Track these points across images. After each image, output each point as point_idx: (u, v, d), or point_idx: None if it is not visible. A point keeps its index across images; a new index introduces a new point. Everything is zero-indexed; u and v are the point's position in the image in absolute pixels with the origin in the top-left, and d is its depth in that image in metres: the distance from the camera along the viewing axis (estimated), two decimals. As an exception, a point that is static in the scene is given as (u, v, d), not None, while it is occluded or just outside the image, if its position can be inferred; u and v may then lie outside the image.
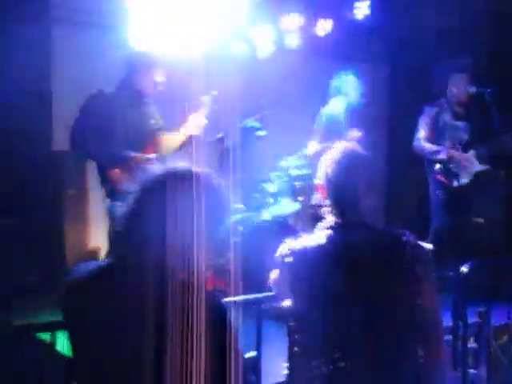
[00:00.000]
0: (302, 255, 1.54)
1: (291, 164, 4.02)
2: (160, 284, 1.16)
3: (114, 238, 1.35)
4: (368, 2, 4.28)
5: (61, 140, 3.98)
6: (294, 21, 4.33)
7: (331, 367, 1.42)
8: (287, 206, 3.93)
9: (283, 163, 4.05)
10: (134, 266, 1.20)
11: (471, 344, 2.56)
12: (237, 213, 4.02)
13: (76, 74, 4.00)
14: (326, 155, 1.68)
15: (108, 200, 2.94)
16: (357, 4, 4.27)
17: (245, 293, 1.83)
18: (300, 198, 3.98)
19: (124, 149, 2.90)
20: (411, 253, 1.50)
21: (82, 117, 2.91)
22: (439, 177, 4.02)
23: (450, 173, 3.99)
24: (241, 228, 3.85)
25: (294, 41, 4.48)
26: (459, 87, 3.97)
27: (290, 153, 4.09)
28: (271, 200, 3.94)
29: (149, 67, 2.99)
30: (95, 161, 3.01)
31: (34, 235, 3.72)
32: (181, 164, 1.29)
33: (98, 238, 3.78)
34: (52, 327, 1.83)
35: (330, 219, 1.61)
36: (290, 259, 1.55)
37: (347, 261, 1.50)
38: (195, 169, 1.27)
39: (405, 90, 5.22)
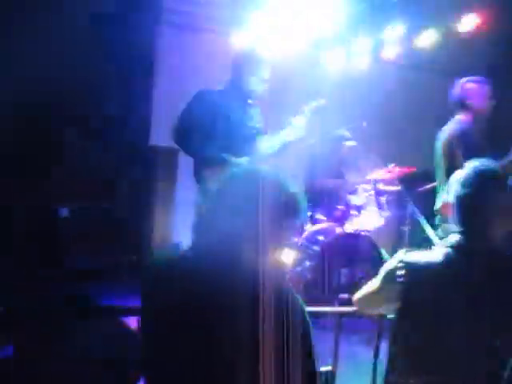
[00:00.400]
0: (415, 270, 1.50)
1: (379, 177, 3.92)
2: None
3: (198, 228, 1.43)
4: (474, 15, 4.03)
5: (158, 135, 4.20)
6: (395, 32, 4.22)
7: None
8: (371, 221, 3.83)
9: (371, 176, 3.96)
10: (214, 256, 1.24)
11: None
12: (318, 222, 3.99)
13: (179, 73, 4.20)
14: (458, 173, 1.61)
15: (199, 197, 2.98)
16: (463, 17, 4.05)
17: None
18: (385, 214, 3.87)
19: (224, 149, 2.90)
20: None
21: (187, 112, 2.92)
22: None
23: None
24: (321, 237, 3.81)
25: (392, 53, 4.37)
26: None
27: (382, 166, 3.99)
28: (355, 212, 3.86)
29: (257, 66, 2.97)
30: (193, 157, 3.03)
31: (124, 221, 3.97)
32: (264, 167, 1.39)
33: (182, 231, 3.92)
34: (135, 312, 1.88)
35: (452, 239, 1.55)
36: (402, 272, 1.51)
37: (464, 285, 1.45)
38: (273, 172, 1.36)
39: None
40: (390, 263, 1.58)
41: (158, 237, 3.99)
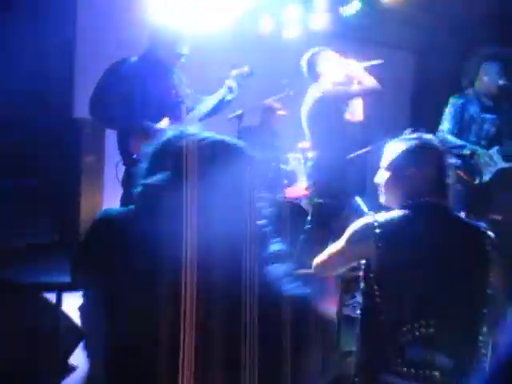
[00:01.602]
0: (389, 225, 1.60)
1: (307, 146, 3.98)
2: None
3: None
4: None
5: (82, 106, 4.03)
6: (322, 1, 4.24)
7: (418, 333, 1.50)
8: (301, 188, 3.90)
9: (301, 145, 4.01)
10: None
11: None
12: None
13: (99, 46, 4.03)
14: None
15: (124, 167, 2.94)
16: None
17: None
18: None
19: (145, 117, 2.90)
20: (490, 238, 1.64)
21: (104, 81, 2.89)
22: (460, 172, 3.93)
23: (472, 169, 3.90)
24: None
25: (320, 22, 4.40)
26: (490, 77, 3.83)
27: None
28: (285, 181, 3.91)
29: (172, 40, 2.98)
30: (114, 127, 3.00)
31: (53, 196, 3.81)
32: (205, 133, 1.24)
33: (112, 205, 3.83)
34: (59, 288, 1.84)
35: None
36: (378, 230, 1.59)
37: (434, 238, 1.58)
38: (228, 139, 1.24)
39: (432, 78, 5.11)
40: (357, 225, 1.66)
41: (86, 214, 3.87)
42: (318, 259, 1.80)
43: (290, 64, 3.73)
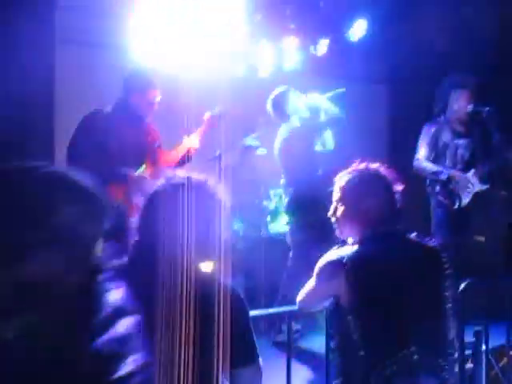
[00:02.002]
0: (358, 260, 1.60)
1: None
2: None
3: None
4: (365, 22, 4.33)
5: (62, 155, 4.04)
6: (292, 41, 4.38)
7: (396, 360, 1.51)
8: (285, 224, 3.91)
9: (283, 181, 4.04)
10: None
11: (469, 364, 2.50)
12: (237, 230, 4.02)
13: (78, 91, 4.08)
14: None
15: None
16: (354, 24, 4.32)
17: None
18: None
19: (121, 166, 2.93)
20: (445, 256, 1.70)
21: (79, 133, 2.94)
22: (440, 197, 4.00)
23: (451, 193, 3.97)
24: (240, 244, 3.84)
25: (292, 61, 4.53)
26: (460, 104, 3.96)
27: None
28: (268, 218, 3.93)
29: (144, 88, 3.04)
30: (92, 177, 3.01)
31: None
32: (179, 174, 1.42)
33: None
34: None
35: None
36: (346, 266, 1.59)
37: (398, 265, 1.61)
38: (192, 177, 1.39)
39: (406, 107, 5.25)
40: (325, 262, 1.66)
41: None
42: (299, 296, 1.80)
43: (265, 102, 3.82)
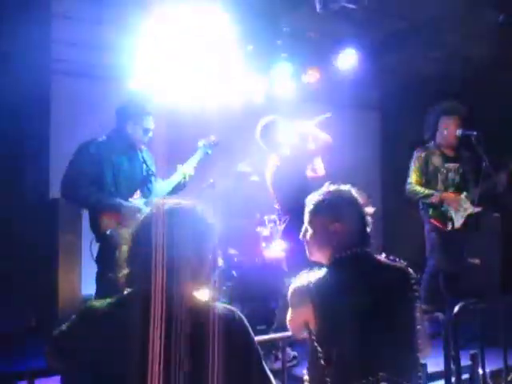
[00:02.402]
0: (323, 285, 1.57)
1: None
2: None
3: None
4: (353, 51, 4.44)
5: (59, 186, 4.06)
6: (283, 70, 4.49)
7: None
8: (278, 250, 3.91)
9: (277, 206, 4.07)
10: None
11: (465, 388, 2.48)
12: (231, 258, 4.02)
13: (74, 123, 4.14)
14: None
15: (98, 244, 2.95)
16: (341, 54, 4.44)
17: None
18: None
19: (114, 195, 2.95)
20: (414, 277, 1.68)
21: (74, 164, 2.97)
22: (433, 221, 4.03)
23: (443, 216, 4.00)
24: (234, 272, 3.83)
25: (284, 90, 4.63)
26: (449, 130, 4.03)
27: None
28: (263, 244, 3.94)
29: (139, 115, 3.08)
30: (85, 207, 3.05)
31: (31, 280, 3.74)
32: (169, 201, 1.44)
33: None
34: (32, 375, 1.78)
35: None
36: (313, 292, 1.56)
37: (366, 289, 1.58)
38: (182, 203, 1.42)
39: (398, 133, 5.34)
40: (293, 288, 1.62)
41: (64, 294, 3.78)
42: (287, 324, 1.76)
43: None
